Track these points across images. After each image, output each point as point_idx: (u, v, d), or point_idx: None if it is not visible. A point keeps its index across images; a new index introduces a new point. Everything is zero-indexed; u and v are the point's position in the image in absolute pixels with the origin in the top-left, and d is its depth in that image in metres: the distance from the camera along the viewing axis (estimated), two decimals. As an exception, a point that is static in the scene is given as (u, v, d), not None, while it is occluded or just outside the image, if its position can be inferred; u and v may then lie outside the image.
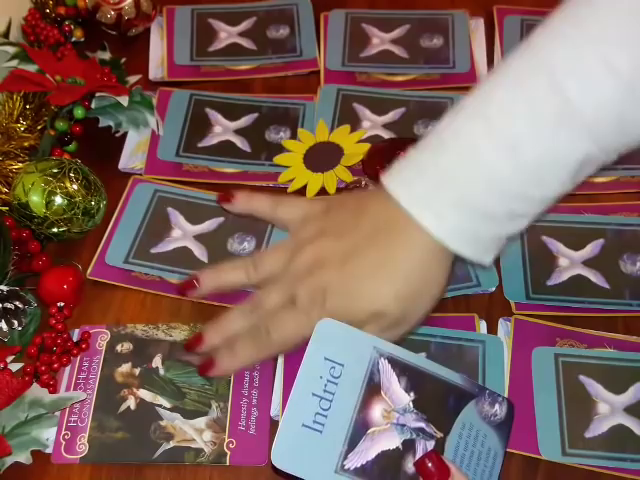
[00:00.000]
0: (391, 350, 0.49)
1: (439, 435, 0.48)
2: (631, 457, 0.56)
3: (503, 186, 0.47)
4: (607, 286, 0.65)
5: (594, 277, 0.66)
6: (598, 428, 0.58)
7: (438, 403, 0.49)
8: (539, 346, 0.62)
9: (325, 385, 0.46)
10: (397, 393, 0.48)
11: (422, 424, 0.48)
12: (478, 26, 0.86)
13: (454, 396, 0.50)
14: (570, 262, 0.67)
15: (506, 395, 0.59)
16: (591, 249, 0.67)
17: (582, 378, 0.60)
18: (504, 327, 0.63)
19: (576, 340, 0.62)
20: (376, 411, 0.47)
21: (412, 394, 0.48)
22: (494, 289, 0.66)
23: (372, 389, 0.47)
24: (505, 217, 0.48)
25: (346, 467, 0.45)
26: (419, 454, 0.47)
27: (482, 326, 0.64)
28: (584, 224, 0.69)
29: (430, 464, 0.45)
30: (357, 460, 0.45)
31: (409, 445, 0.47)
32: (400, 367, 0.49)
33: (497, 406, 0.51)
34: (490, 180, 0.47)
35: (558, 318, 0.64)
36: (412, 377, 0.49)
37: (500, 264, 0.67)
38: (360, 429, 0.46)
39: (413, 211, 0.49)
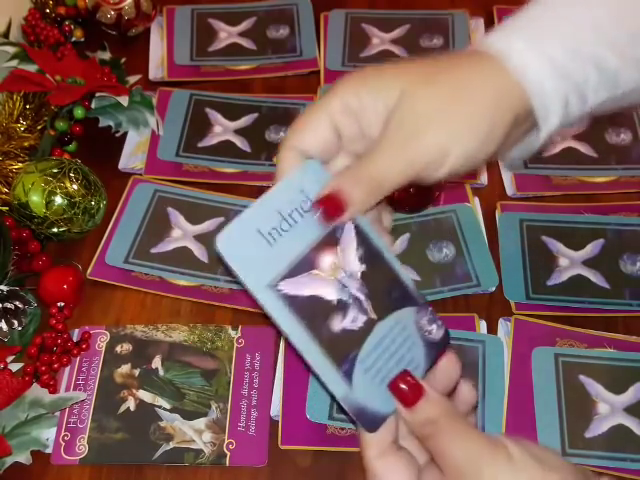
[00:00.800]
0: (360, 221, 0.49)
1: (373, 316, 0.48)
2: (631, 457, 0.56)
3: (584, 49, 0.47)
4: (607, 286, 0.65)
5: (594, 277, 0.66)
6: (598, 428, 0.58)
7: (383, 288, 0.49)
8: (539, 346, 0.62)
9: (292, 211, 0.46)
10: (350, 257, 0.48)
11: (361, 296, 0.48)
12: (478, 26, 0.86)
13: (400, 292, 0.50)
14: (570, 262, 0.67)
15: (506, 395, 0.59)
16: (591, 249, 0.67)
17: (582, 378, 0.60)
18: (504, 327, 0.63)
19: (576, 340, 0.62)
20: (326, 259, 0.47)
21: (364, 266, 0.49)
22: (494, 289, 0.66)
23: (330, 240, 0.48)
24: (578, 82, 0.47)
25: (279, 288, 0.45)
26: (348, 320, 0.47)
27: (482, 326, 0.64)
28: (584, 224, 0.69)
29: (403, 385, 0.46)
30: (291, 288, 0.46)
31: (342, 306, 0.47)
32: (362, 238, 0.49)
33: (435, 326, 0.50)
34: (573, 34, 0.47)
35: (558, 318, 0.64)
36: (369, 252, 0.49)
37: (500, 264, 0.67)
38: (306, 264, 0.46)
39: (499, 45, 0.47)
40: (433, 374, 0.48)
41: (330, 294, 0.47)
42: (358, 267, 0.48)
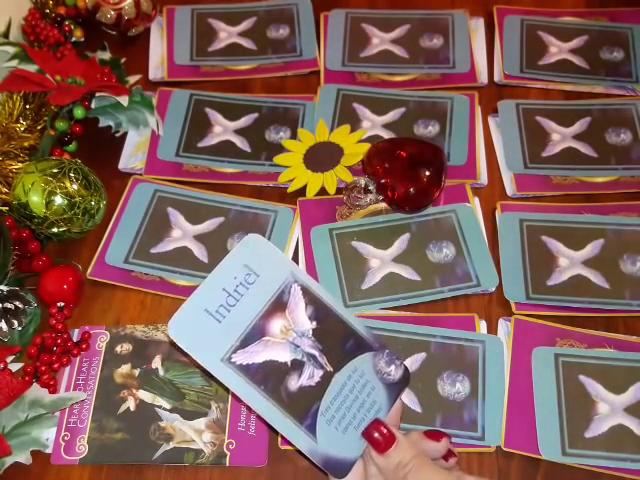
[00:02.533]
0: (306, 280, 0.52)
1: (329, 369, 0.51)
2: (631, 457, 0.56)
3: None
4: (607, 286, 0.65)
5: (594, 277, 0.66)
6: (598, 428, 0.58)
7: (336, 340, 0.52)
8: (539, 346, 0.62)
9: (237, 286, 0.49)
10: (300, 317, 0.51)
11: (315, 352, 0.51)
12: (478, 26, 0.86)
13: (354, 341, 0.52)
14: (570, 262, 0.67)
15: (506, 395, 0.59)
16: (591, 249, 0.67)
17: (582, 378, 0.60)
18: (504, 327, 0.63)
19: (576, 340, 0.62)
20: (276, 324, 0.50)
21: (314, 323, 0.51)
22: (494, 289, 0.66)
23: (278, 305, 0.50)
24: None
25: (232, 360, 0.48)
26: (304, 377, 0.50)
27: (482, 326, 0.64)
28: (584, 224, 0.69)
29: (376, 434, 0.50)
30: (244, 358, 0.48)
31: (297, 365, 0.50)
32: (310, 297, 0.52)
33: (393, 367, 0.53)
34: None
35: (558, 318, 0.64)
36: (318, 309, 0.52)
37: (500, 264, 0.67)
38: (256, 333, 0.49)
39: None
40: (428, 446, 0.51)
41: (283, 356, 0.50)
42: (309, 325, 0.51)
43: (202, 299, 0.48)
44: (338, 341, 0.52)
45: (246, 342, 0.48)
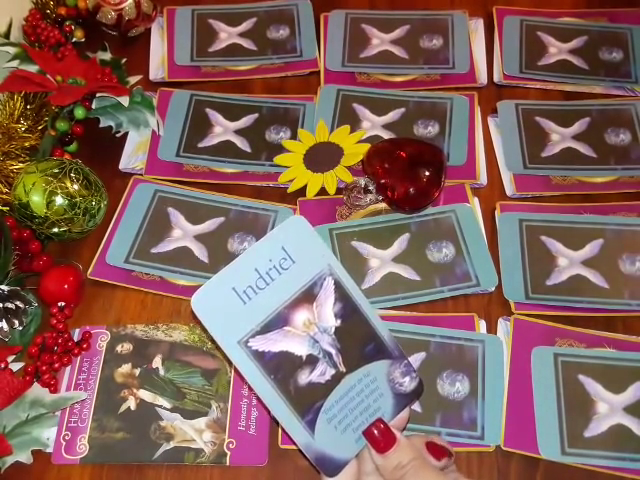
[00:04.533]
0: (341, 275, 0.51)
1: (342, 369, 0.50)
2: (630, 457, 0.57)
3: None
4: (606, 286, 0.65)
5: (593, 277, 0.66)
6: (597, 427, 0.58)
7: (357, 342, 0.51)
8: (538, 346, 0.62)
9: (270, 269, 0.48)
10: (326, 312, 0.50)
11: (332, 350, 0.50)
12: (478, 26, 0.86)
13: (374, 345, 0.51)
14: (569, 262, 0.67)
15: (506, 395, 0.59)
16: (590, 249, 0.68)
17: (581, 378, 0.60)
18: (503, 327, 0.64)
19: (575, 340, 0.63)
20: (301, 316, 0.49)
21: (339, 321, 0.50)
22: (493, 289, 0.66)
23: (307, 296, 0.49)
24: None
25: (249, 345, 0.47)
26: (316, 373, 0.49)
27: (482, 326, 0.64)
28: (583, 224, 0.69)
29: (376, 432, 0.49)
30: (262, 345, 0.47)
31: (311, 361, 0.49)
32: (341, 293, 0.50)
33: (407, 379, 0.52)
34: None
35: (557, 318, 0.64)
36: (346, 307, 0.50)
37: (499, 264, 0.67)
38: (279, 321, 0.48)
39: None
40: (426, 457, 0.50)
41: (300, 350, 0.49)
42: (333, 322, 0.50)
43: (232, 276, 0.47)
44: (358, 343, 0.51)
45: (267, 329, 0.48)
